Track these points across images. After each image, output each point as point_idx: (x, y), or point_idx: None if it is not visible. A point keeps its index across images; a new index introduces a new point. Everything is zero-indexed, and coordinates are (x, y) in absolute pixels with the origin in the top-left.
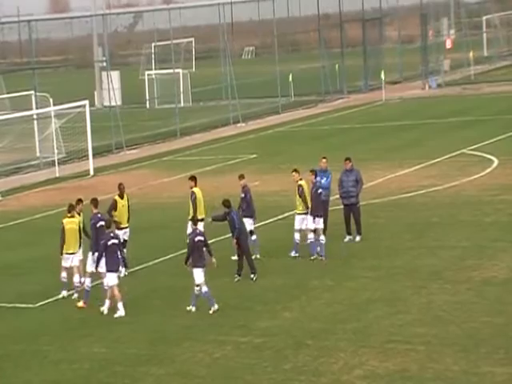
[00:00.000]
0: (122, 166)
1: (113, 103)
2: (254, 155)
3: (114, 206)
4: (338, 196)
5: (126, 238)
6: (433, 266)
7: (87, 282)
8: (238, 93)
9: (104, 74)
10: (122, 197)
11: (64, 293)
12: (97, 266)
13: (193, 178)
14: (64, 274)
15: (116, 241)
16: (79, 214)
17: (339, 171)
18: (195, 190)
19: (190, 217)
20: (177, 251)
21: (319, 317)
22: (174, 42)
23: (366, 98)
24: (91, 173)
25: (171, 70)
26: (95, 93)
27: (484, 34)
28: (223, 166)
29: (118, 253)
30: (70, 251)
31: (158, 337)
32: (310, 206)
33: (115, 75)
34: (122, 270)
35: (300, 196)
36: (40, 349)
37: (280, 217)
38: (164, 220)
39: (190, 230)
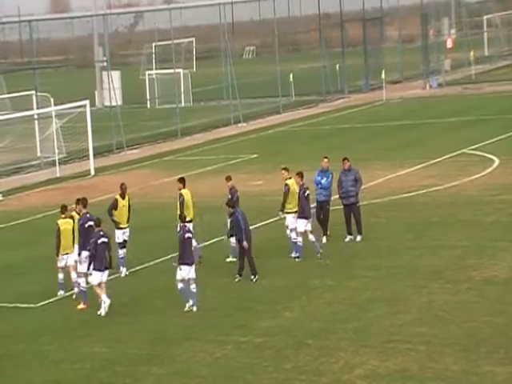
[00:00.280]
0: (123, 165)
1: (113, 103)
2: (255, 155)
3: (114, 206)
4: (337, 196)
5: (126, 238)
6: (433, 266)
7: (82, 282)
8: (239, 93)
9: (105, 73)
10: (123, 197)
11: (61, 292)
12: (89, 267)
13: (181, 180)
14: (61, 276)
15: (106, 239)
16: (78, 214)
17: (340, 171)
18: (183, 191)
19: (188, 218)
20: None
21: (320, 316)
22: (175, 41)
23: (366, 98)
24: (92, 173)
25: (172, 70)
26: (96, 93)
27: (485, 33)
28: (224, 165)
29: (106, 252)
30: (65, 252)
31: (159, 336)
32: (285, 205)
33: (116, 75)
34: (123, 269)
35: (285, 194)
36: (41, 349)
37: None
38: (165, 220)
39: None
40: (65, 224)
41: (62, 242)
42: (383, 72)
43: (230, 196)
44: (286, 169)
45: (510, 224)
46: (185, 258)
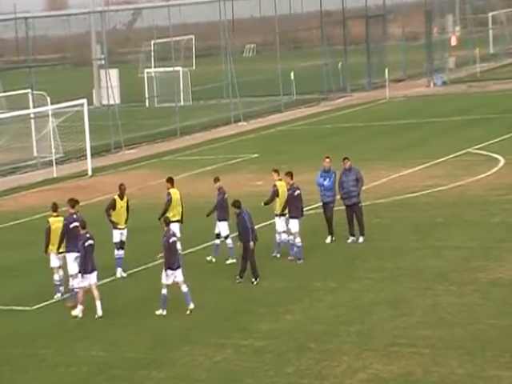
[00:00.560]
0: (121, 165)
1: (111, 102)
2: (256, 155)
3: (112, 205)
4: (339, 197)
5: (124, 239)
6: (438, 268)
7: (75, 284)
8: (239, 91)
9: (102, 71)
10: (121, 197)
11: (58, 295)
12: (80, 270)
13: (169, 180)
14: (57, 277)
15: (92, 242)
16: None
17: (340, 171)
18: (172, 191)
19: (175, 218)
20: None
21: (322, 319)
22: (174, 39)
23: (369, 97)
24: (89, 173)
25: (171, 68)
26: (93, 91)
27: (490, 30)
28: (224, 165)
29: (92, 254)
30: (59, 251)
31: (158, 340)
32: (268, 203)
33: (114, 73)
34: (120, 270)
35: (271, 194)
36: (37, 352)
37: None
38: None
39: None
40: (56, 222)
41: (53, 240)
42: (386, 70)
43: (218, 197)
44: (276, 170)
45: None
46: (170, 263)
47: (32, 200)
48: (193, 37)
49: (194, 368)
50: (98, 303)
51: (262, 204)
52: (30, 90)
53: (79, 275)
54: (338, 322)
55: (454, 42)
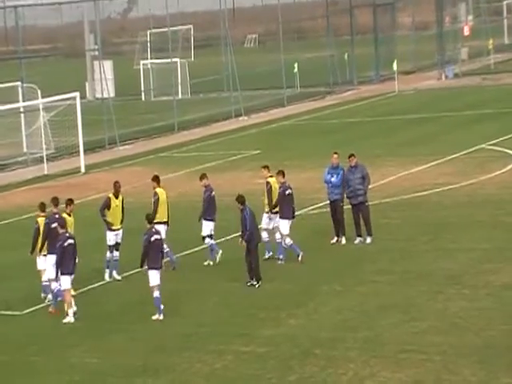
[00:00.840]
0: (116, 162)
1: (105, 95)
2: (258, 151)
3: (106, 205)
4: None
5: (119, 241)
6: (449, 270)
7: (53, 286)
8: (240, 84)
9: (96, 63)
10: (116, 196)
11: (50, 297)
12: (57, 272)
13: (155, 179)
14: (45, 278)
15: (72, 241)
16: (69, 215)
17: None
18: (158, 190)
19: (162, 220)
20: (174, 253)
21: (327, 324)
22: (171, 29)
23: (377, 90)
24: (82, 170)
25: (168, 60)
26: (86, 84)
27: (505, 20)
28: (224, 162)
29: (75, 254)
30: (42, 252)
31: (154, 346)
32: (272, 205)
33: (108, 65)
34: (114, 272)
35: (268, 194)
36: (28, 359)
37: None
38: None
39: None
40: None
41: (43, 241)
42: (395, 62)
43: (204, 196)
44: (266, 167)
45: None
46: (151, 263)
47: (21, 199)
48: (191, 26)
49: (193, 375)
50: (71, 310)
51: (271, 211)
52: (19, 83)
53: (63, 277)
54: (344, 328)
55: (466, 31)
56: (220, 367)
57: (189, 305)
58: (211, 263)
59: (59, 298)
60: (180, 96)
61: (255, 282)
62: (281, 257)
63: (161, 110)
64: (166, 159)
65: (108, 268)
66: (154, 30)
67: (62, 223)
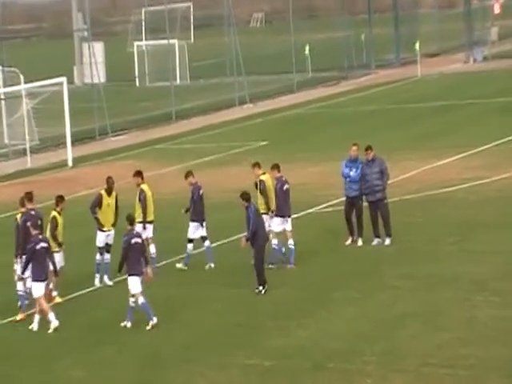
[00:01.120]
0: (107, 155)
1: (95, 80)
2: (264, 142)
3: (98, 203)
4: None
5: (110, 242)
6: (477, 275)
7: (19, 286)
8: (245, 68)
9: (85, 45)
10: (109, 193)
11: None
12: (23, 273)
13: (139, 174)
14: (20, 286)
15: (45, 244)
16: (59, 214)
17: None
18: (144, 187)
19: (139, 219)
20: (171, 256)
21: (341, 335)
22: (169, 7)
23: (397, 74)
24: (70, 163)
25: (165, 41)
26: (74, 68)
27: None
28: (226, 155)
29: (47, 259)
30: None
31: (149, 358)
32: (272, 205)
33: (98, 47)
34: (105, 277)
35: (261, 193)
36: (10, 373)
37: (296, 216)
38: (156, 220)
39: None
40: None
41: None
42: (417, 43)
43: (192, 194)
44: (257, 164)
45: None
46: (132, 268)
47: (2, 195)
48: (191, 4)
49: None
50: (37, 317)
51: (272, 213)
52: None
53: (34, 284)
54: (360, 339)
55: (497, 9)
56: (223, 382)
57: (187, 313)
58: (185, 268)
59: (26, 302)
60: (178, 81)
61: (261, 288)
62: (291, 261)
63: (157, 97)
64: (162, 151)
65: (98, 272)
66: (149, 8)
67: (36, 223)
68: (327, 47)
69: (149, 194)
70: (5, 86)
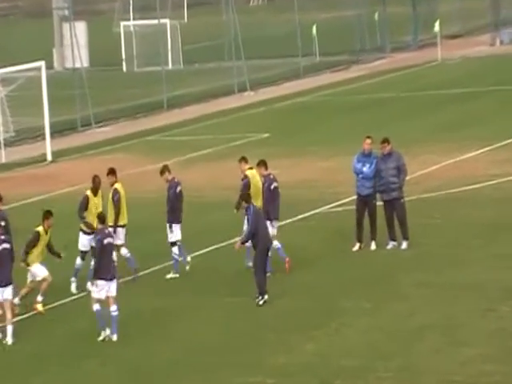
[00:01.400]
0: (90, 148)
1: (77, 64)
2: (267, 134)
3: (85, 205)
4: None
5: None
6: (504, 282)
7: None
8: (245, 51)
9: (66, 25)
10: (95, 193)
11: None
12: None
13: (113, 172)
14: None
15: (7, 246)
16: (46, 233)
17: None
18: (118, 186)
19: (110, 223)
20: (162, 262)
21: (352, 350)
22: None
23: (415, 58)
24: (49, 158)
25: (155, 21)
26: (54, 51)
27: None
28: (224, 148)
29: (9, 262)
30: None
31: (134, 374)
32: (241, 202)
33: (81, 27)
34: (88, 283)
35: (243, 188)
36: None
37: (302, 216)
38: (144, 221)
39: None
40: None
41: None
42: (437, 23)
43: (168, 192)
44: (244, 159)
45: None
46: (102, 272)
47: None
48: None
49: None
50: (10, 328)
51: (235, 211)
52: None
53: None
54: (373, 354)
55: None
56: None
57: (178, 325)
58: (177, 275)
59: None
60: (170, 66)
61: (260, 298)
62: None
63: (146, 83)
64: (153, 144)
65: (76, 277)
66: None
67: None
68: (337, 28)
69: (122, 194)
70: None
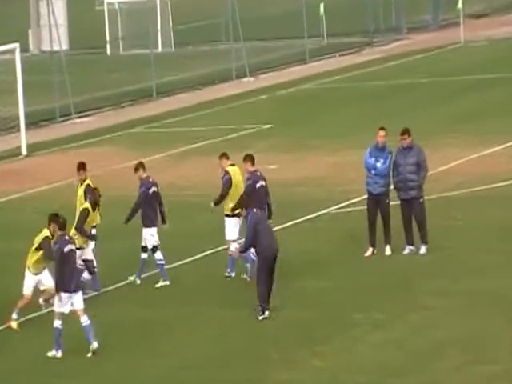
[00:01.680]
0: (70, 141)
1: (56, 47)
2: (269, 125)
3: (85, 218)
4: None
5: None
6: None
7: None
8: (244, 32)
9: (42, 3)
10: (94, 208)
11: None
12: None
13: (84, 167)
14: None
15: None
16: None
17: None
18: (89, 183)
19: (93, 223)
20: (152, 269)
21: (364, 367)
22: None
23: (435, 40)
24: (23, 152)
25: None
26: (29, 31)
27: None
28: (221, 141)
29: None
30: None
31: None
32: (221, 201)
33: (59, 5)
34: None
35: (224, 185)
36: None
37: (308, 217)
38: (131, 222)
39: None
40: None
41: None
42: (460, 1)
43: (140, 191)
44: (224, 154)
45: None
46: (64, 283)
47: None
48: None
49: None
50: None
51: (212, 205)
52: None
53: None
54: (386, 371)
55: None
56: None
57: (169, 339)
58: (167, 283)
59: None
60: (160, 49)
61: (260, 313)
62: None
63: (133, 67)
64: (140, 136)
65: None
66: None
67: None
68: (347, 6)
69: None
70: None
